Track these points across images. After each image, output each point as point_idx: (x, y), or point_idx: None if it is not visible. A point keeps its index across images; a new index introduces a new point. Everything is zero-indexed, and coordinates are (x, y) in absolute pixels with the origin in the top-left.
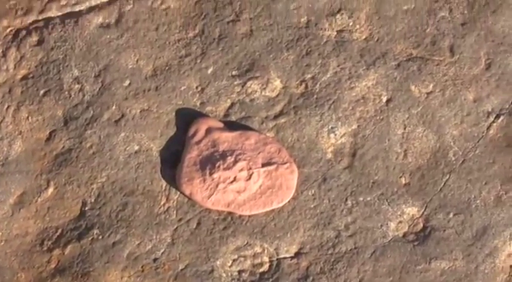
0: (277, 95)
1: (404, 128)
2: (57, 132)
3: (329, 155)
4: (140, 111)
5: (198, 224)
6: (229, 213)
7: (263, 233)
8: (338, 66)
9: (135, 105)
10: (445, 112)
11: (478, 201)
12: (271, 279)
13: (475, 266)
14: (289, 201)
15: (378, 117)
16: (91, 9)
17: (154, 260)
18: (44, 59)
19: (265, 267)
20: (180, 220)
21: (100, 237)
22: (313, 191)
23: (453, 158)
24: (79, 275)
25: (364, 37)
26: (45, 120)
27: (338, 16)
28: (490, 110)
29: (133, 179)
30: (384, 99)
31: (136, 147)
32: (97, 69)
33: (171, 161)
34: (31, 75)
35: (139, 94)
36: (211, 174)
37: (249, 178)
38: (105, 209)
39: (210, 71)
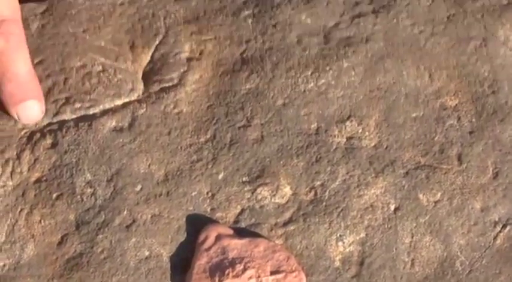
0: (286, 202)
1: (412, 237)
2: (69, 236)
3: (337, 263)
4: (151, 217)
5: None
6: None
7: None
8: (347, 173)
9: (146, 210)
10: (452, 221)
11: None
12: None
13: None
14: None
15: (386, 226)
16: (104, 112)
17: None
18: (57, 162)
19: None
20: None
21: None
22: None
23: (460, 268)
24: None
25: (373, 144)
26: (58, 224)
27: (348, 123)
28: (497, 219)
29: None
30: (392, 207)
31: (146, 253)
32: (109, 174)
33: (181, 267)
34: (44, 178)
35: (151, 199)
36: (220, 281)
37: None
38: None
39: (220, 176)
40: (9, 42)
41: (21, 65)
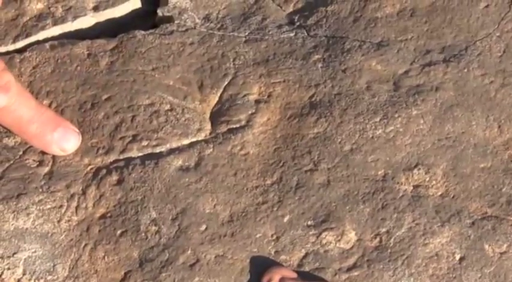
0: (351, 248)
1: None
2: (132, 273)
3: None
4: (215, 257)
5: None
6: None
7: None
8: (413, 221)
9: (210, 250)
10: None
11: None
12: None
13: None
14: None
15: (450, 275)
16: (171, 151)
17: None
18: (122, 199)
19: None
20: None
21: None
22: None
23: None
24: None
25: (440, 193)
26: (121, 261)
27: (415, 171)
28: None
29: None
30: (457, 257)
31: None
32: (174, 212)
33: None
34: (109, 214)
35: (215, 239)
36: None
37: None
38: None
39: (286, 219)
40: (10, 91)
41: (32, 105)
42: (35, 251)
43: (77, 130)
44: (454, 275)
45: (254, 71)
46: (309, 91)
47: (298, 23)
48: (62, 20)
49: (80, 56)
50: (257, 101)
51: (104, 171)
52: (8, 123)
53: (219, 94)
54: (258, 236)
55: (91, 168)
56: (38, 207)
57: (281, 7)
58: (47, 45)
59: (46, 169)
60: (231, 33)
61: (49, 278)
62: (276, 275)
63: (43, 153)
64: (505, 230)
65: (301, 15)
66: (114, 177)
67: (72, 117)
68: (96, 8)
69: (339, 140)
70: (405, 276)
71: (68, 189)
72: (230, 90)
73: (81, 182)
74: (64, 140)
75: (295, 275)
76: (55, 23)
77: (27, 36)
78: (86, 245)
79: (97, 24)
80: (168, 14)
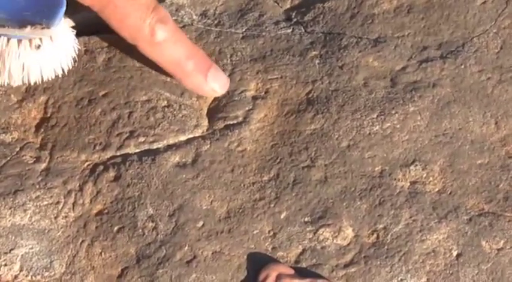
0: (348, 244)
1: None
2: (129, 270)
3: None
4: (212, 253)
5: None
6: None
7: None
8: (410, 217)
9: (207, 246)
10: None
11: None
12: None
13: None
14: None
15: (447, 272)
16: (168, 147)
17: None
18: (119, 195)
19: None
20: None
21: None
22: None
23: None
24: None
25: (437, 190)
26: (118, 257)
27: (412, 167)
28: None
29: None
30: (455, 253)
31: None
32: (171, 209)
33: None
34: (106, 211)
35: (212, 236)
36: None
37: None
38: None
39: (283, 216)
40: (169, 24)
41: (189, 42)
42: (32, 247)
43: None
44: (451, 271)
45: (251, 67)
46: (306, 87)
47: (295, 20)
48: None
49: (78, 52)
50: (254, 97)
51: (101, 167)
52: (165, 59)
53: None
54: (255, 232)
55: (88, 165)
56: (35, 204)
57: (278, 3)
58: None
59: (43, 165)
60: (228, 30)
61: (46, 274)
62: (273, 271)
63: (40, 149)
64: (502, 226)
65: (298, 11)
66: (111, 173)
67: (69, 113)
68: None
69: (336, 136)
70: (402, 272)
71: (65, 186)
72: None
73: (78, 178)
74: (217, 80)
75: (292, 272)
76: None
77: None
78: (83, 241)
79: (94, 20)
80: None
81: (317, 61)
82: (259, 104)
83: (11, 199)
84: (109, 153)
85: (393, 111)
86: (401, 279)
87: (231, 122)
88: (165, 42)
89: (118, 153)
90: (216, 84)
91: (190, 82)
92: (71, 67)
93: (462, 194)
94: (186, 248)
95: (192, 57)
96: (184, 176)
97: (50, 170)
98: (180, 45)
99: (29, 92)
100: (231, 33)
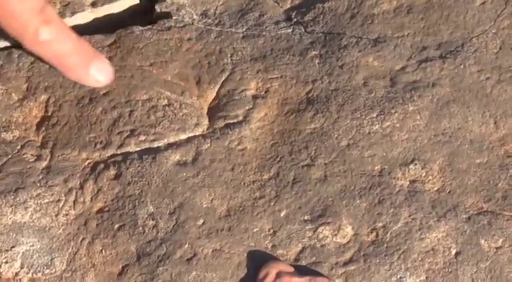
0: (347, 242)
1: None
2: (129, 267)
3: None
4: (212, 251)
5: None
6: None
7: None
8: (409, 216)
9: (207, 244)
10: None
11: None
12: None
13: None
14: None
15: (446, 270)
16: (169, 146)
17: None
18: (120, 193)
19: None
20: None
21: None
22: None
23: None
24: None
25: (436, 188)
26: (119, 255)
27: (411, 166)
28: None
29: None
30: (453, 251)
31: None
32: (172, 207)
33: None
34: (107, 208)
35: (212, 234)
36: None
37: None
38: None
39: (283, 214)
40: (52, 24)
41: (73, 38)
42: (32, 245)
43: (110, 63)
44: (450, 270)
45: (251, 66)
46: (306, 87)
47: (295, 19)
48: (60, 16)
49: None
50: (254, 97)
51: (102, 165)
52: (49, 56)
53: (216, 89)
54: (255, 230)
55: (89, 163)
56: (35, 201)
57: (278, 3)
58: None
59: (44, 163)
60: (229, 29)
61: (47, 271)
62: (273, 269)
63: (41, 148)
64: (501, 225)
65: (298, 11)
66: (112, 171)
67: (70, 112)
68: (94, 4)
69: (336, 135)
70: (401, 270)
71: (66, 184)
72: (227, 86)
73: (79, 176)
74: (100, 72)
75: (292, 269)
76: None
77: None
78: (83, 239)
79: (95, 19)
80: (166, 10)
81: (317, 61)
82: (259, 103)
83: (12, 197)
84: (110, 152)
85: (393, 111)
86: (400, 277)
87: (232, 121)
88: (49, 42)
89: (119, 152)
90: (99, 75)
91: (73, 75)
92: None
93: (461, 193)
94: (187, 245)
95: (75, 53)
96: (184, 174)
97: (51, 168)
98: (63, 44)
99: (30, 90)
100: (232, 32)
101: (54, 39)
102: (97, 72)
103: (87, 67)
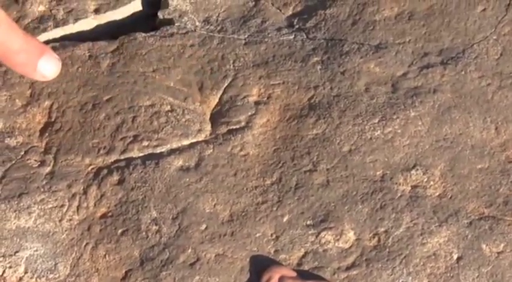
0: (350, 247)
1: None
2: (133, 272)
3: None
4: (215, 256)
5: None
6: None
7: None
8: (411, 221)
9: (210, 249)
10: None
11: None
12: None
13: None
14: None
15: (448, 274)
16: (172, 151)
17: None
18: (123, 198)
19: None
20: None
21: None
22: None
23: None
24: None
25: (437, 194)
26: (122, 260)
27: (413, 171)
28: None
29: None
30: (455, 256)
31: None
32: (175, 212)
33: None
34: (110, 214)
35: (215, 239)
36: None
37: None
38: None
39: (285, 219)
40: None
41: (20, 35)
42: (36, 250)
43: (58, 57)
44: (451, 274)
45: (254, 72)
46: (308, 93)
47: (297, 26)
48: (64, 22)
49: (81, 57)
50: (257, 103)
51: (105, 171)
52: None
53: (219, 95)
54: (257, 235)
55: (92, 168)
56: (39, 207)
57: (280, 10)
58: (49, 47)
59: (47, 169)
60: (231, 36)
61: (50, 276)
62: (276, 274)
63: (44, 153)
64: (502, 230)
65: (300, 18)
66: (115, 177)
67: (73, 118)
68: (97, 11)
69: (338, 141)
70: (403, 275)
71: (69, 189)
72: (230, 92)
73: (82, 181)
74: (46, 67)
75: (294, 274)
76: (56, 25)
77: None
78: (87, 244)
79: (98, 26)
80: (168, 17)
81: (319, 67)
82: (261, 109)
83: (16, 202)
84: (113, 157)
85: (394, 117)
86: None
87: (234, 127)
88: None
89: (122, 157)
90: (45, 71)
91: (20, 71)
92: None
93: (462, 198)
94: (190, 250)
95: (22, 50)
96: (187, 179)
97: (55, 174)
98: (10, 43)
99: (34, 96)
100: (234, 39)
101: (2, 38)
102: (44, 68)
103: (34, 64)
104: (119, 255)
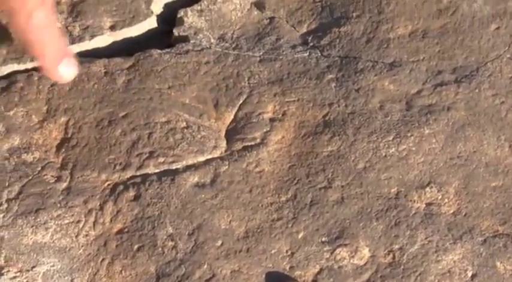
0: (365, 264)
1: None
2: None
3: None
4: (231, 272)
5: None
6: None
7: None
8: (426, 238)
9: (226, 265)
10: None
11: None
12: None
13: None
14: None
15: None
16: (187, 168)
17: None
18: (139, 214)
19: None
20: None
21: None
22: None
23: None
24: None
25: (452, 211)
26: (138, 275)
27: (427, 189)
28: None
29: None
30: (470, 274)
31: None
32: (191, 228)
33: None
34: (126, 229)
35: (231, 255)
36: None
37: None
38: None
39: (300, 235)
40: (46, 11)
41: (56, 29)
42: (53, 265)
43: (78, 65)
44: None
45: (269, 89)
46: (323, 110)
47: (311, 44)
48: (80, 39)
49: (97, 74)
50: (272, 120)
51: (121, 187)
52: (31, 39)
53: (234, 112)
54: (273, 251)
55: (108, 184)
56: (56, 222)
57: (295, 28)
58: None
59: (64, 185)
60: (246, 53)
61: None
62: None
63: (61, 169)
64: None
65: (314, 35)
66: (131, 193)
67: (89, 134)
68: (113, 27)
69: (353, 158)
70: None
71: (86, 205)
72: (245, 109)
73: (99, 197)
74: (67, 70)
75: None
76: (73, 42)
77: None
78: (103, 259)
79: (114, 43)
80: (183, 34)
81: (333, 84)
82: (276, 126)
83: (33, 217)
84: (129, 173)
85: (409, 134)
86: None
87: (249, 144)
88: (37, 27)
89: (138, 173)
90: (65, 73)
91: (42, 64)
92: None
93: (477, 215)
94: (205, 266)
95: (53, 45)
96: (203, 195)
97: (71, 189)
98: (46, 33)
99: (50, 112)
100: (249, 56)
101: (42, 27)
102: (64, 69)
103: (57, 61)
104: (135, 271)
